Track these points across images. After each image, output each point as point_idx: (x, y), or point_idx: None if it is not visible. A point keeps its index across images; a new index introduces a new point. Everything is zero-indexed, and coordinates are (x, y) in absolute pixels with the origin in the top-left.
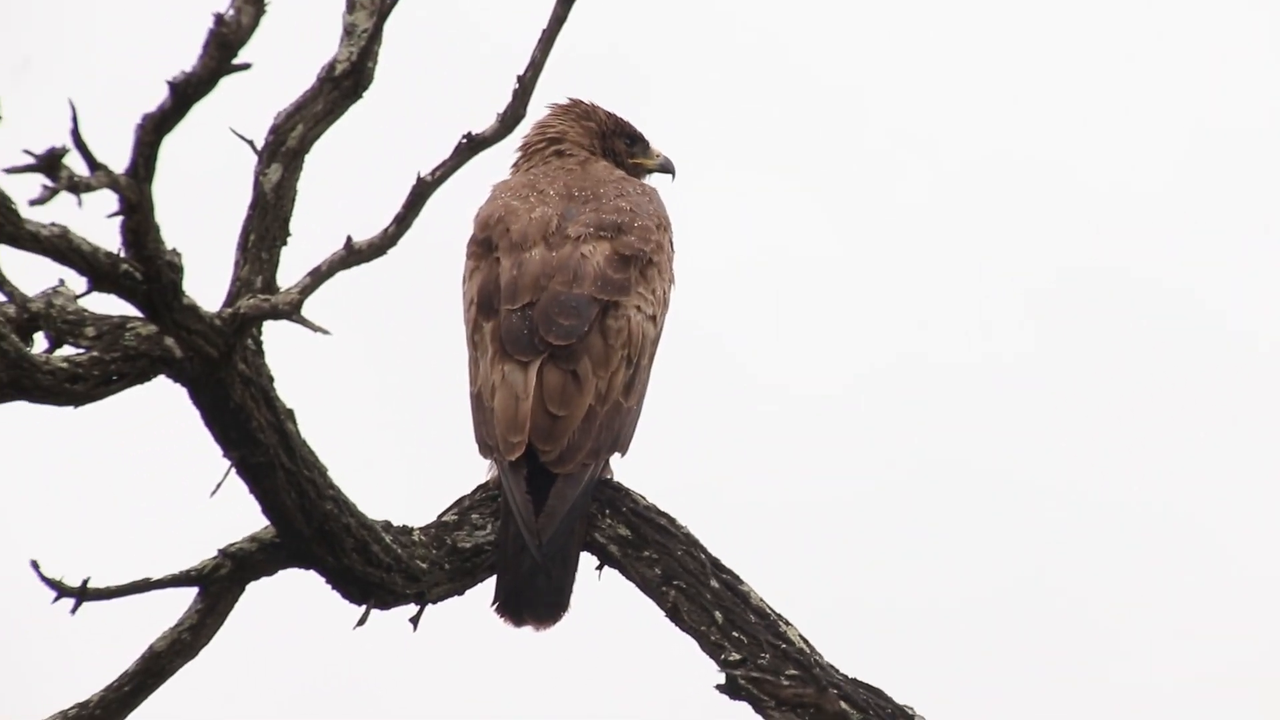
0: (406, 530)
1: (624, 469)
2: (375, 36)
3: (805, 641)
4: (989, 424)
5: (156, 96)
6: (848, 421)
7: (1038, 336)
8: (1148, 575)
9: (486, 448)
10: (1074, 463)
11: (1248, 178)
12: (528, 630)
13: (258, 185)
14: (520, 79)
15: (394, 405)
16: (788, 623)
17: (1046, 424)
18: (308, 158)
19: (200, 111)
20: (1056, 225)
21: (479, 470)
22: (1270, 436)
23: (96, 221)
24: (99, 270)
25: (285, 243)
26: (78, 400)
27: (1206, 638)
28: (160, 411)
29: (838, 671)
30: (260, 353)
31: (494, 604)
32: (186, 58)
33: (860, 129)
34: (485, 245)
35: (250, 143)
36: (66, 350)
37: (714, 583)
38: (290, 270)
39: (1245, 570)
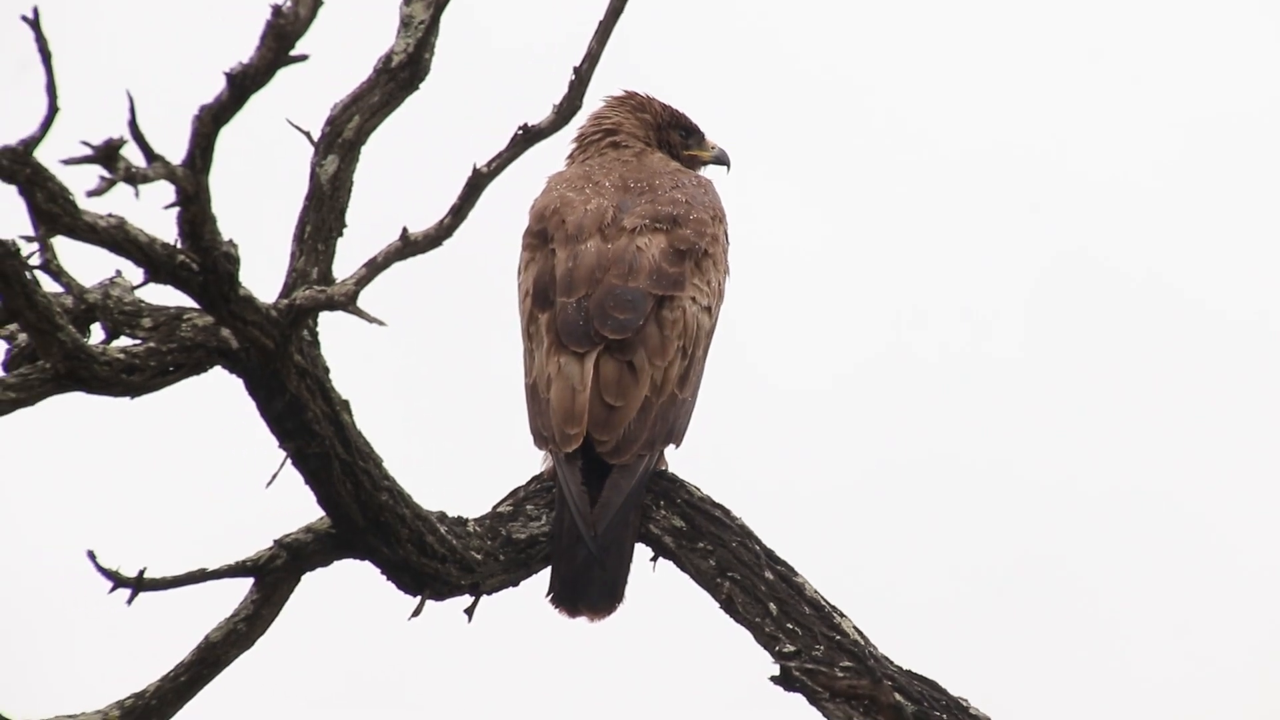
0: (461, 521)
1: (679, 460)
2: (432, 28)
3: (860, 633)
4: (981, 417)
5: (173, 92)
6: (838, 415)
7: (1029, 328)
8: (1143, 566)
9: (541, 438)
10: (1067, 454)
11: (1239, 171)
12: (583, 621)
13: (314, 176)
14: (576, 70)
15: (449, 396)
16: (842, 614)
17: (1039, 416)
18: (364, 149)
19: (257, 103)
20: (1049, 218)
21: (534, 461)
22: (1262, 426)
23: (153, 213)
24: (156, 261)
25: (341, 234)
26: (134, 391)
27: (1202, 629)
28: (216, 402)
29: (892, 663)
30: (316, 344)
31: (549, 595)
32: (198, 53)
33: (853, 122)
34: (540, 237)
35: (307, 134)
36: (123, 341)
37: (769, 574)
38: (346, 261)
39: (1240, 561)
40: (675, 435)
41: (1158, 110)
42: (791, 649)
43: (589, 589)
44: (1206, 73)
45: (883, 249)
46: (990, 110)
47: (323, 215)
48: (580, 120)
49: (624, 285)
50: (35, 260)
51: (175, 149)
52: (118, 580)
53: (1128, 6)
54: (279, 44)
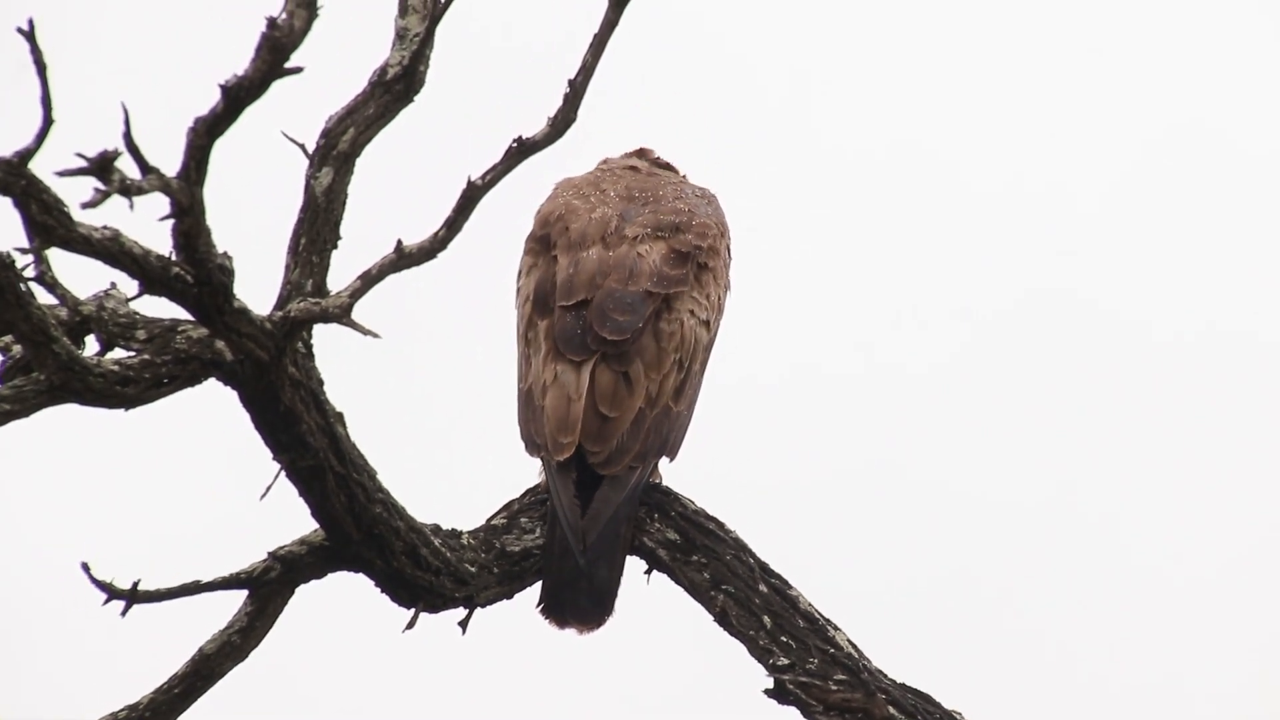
0: (455, 534)
1: (673, 473)
2: (427, 41)
3: (854, 646)
4: (979, 425)
5: (168, 104)
6: (832, 425)
7: (977, 346)
8: (1076, 579)
9: (534, 445)
10: (1011, 470)
11: (1167, 194)
12: (571, 633)
13: (309, 189)
14: (571, 83)
15: (444, 409)
16: (836, 627)
17: (987, 431)
18: (359, 161)
19: (252, 115)
20: (1005, 244)
21: (528, 473)
22: (1195, 444)
23: (148, 225)
24: (150, 273)
25: (336, 246)
26: (128, 403)
27: (1131, 641)
28: (211, 414)
29: (886, 676)
30: (310, 356)
31: (538, 606)
32: (202, 55)
33: (816, 141)
34: (543, 242)
35: (301, 146)
36: (117, 353)
37: (763, 587)
38: (340, 274)
39: (1163, 572)
40: (670, 448)
41: (1112, 142)
42: (786, 662)
43: (578, 601)
44: (1161, 105)
45: (845, 265)
46: (952, 136)
47: (317, 227)
48: (574, 133)
49: (623, 289)
50: (30, 272)
51: (170, 161)
52: (112, 592)
53: (1087, 38)
54: (274, 56)
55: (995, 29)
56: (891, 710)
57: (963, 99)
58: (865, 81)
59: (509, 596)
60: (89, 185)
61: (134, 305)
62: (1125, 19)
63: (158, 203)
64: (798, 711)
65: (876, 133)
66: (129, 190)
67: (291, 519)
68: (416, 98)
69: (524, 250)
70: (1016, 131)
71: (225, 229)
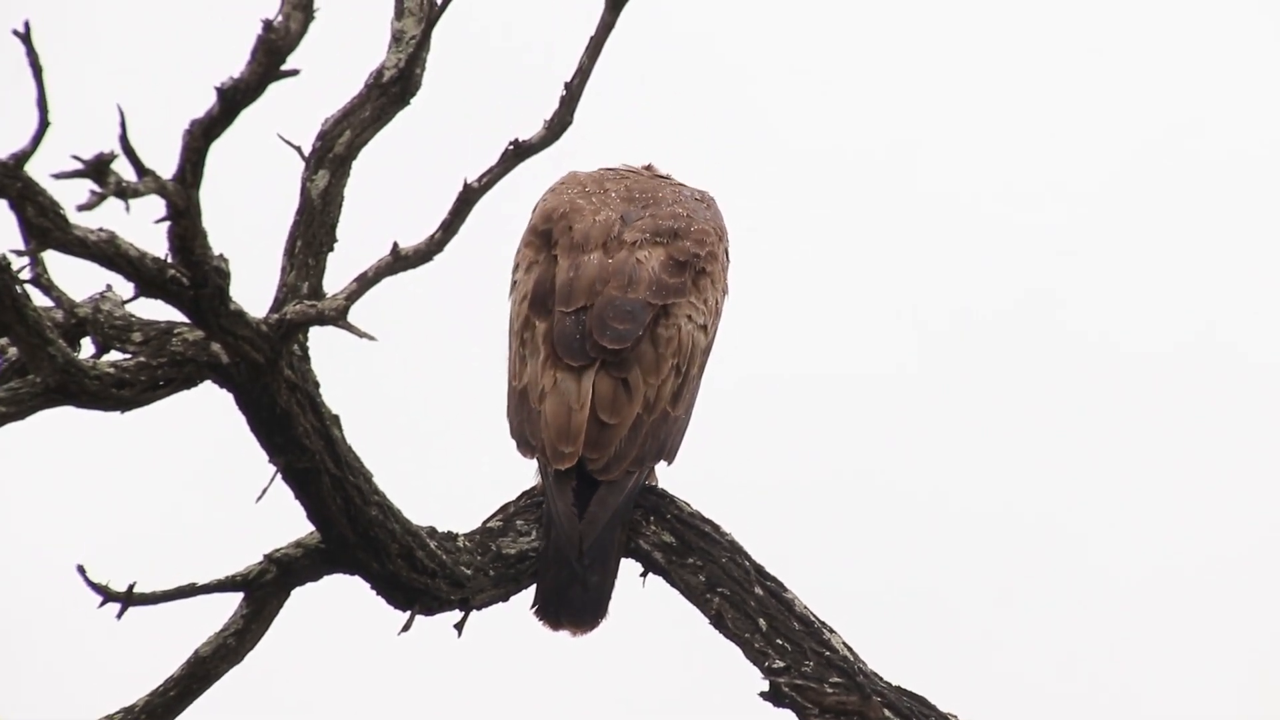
0: (451, 536)
1: (668, 476)
2: (423, 43)
3: (849, 649)
4: (873, 437)
5: (164, 107)
6: (828, 429)
7: (973, 349)
8: (1074, 582)
9: (527, 446)
10: (1006, 474)
11: (1178, 202)
12: (565, 635)
13: (305, 191)
14: (568, 85)
15: (440, 411)
16: (831, 630)
17: (986, 435)
18: (355, 164)
19: (248, 117)
20: (998, 246)
21: (524, 476)
22: (1146, 453)
23: (144, 227)
24: (146, 276)
25: (332, 249)
26: (124, 405)
27: (1129, 644)
28: (206, 417)
29: (881, 679)
30: (306, 358)
31: (533, 608)
32: (203, 53)
33: (811, 142)
34: (545, 238)
35: (298, 149)
36: (113, 355)
37: (758, 590)
38: (337, 276)
39: (1114, 578)
40: (667, 452)
41: (1072, 160)
42: (781, 665)
43: (573, 604)
44: (1117, 124)
45: (801, 274)
46: (911, 149)
47: (313, 230)
48: (570, 135)
49: (623, 296)
50: (26, 274)
51: (166, 163)
52: (107, 595)
53: (1052, 51)
54: (270, 59)
55: (986, 29)
56: (887, 713)
57: (954, 101)
58: (861, 82)
59: (505, 599)
60: (85, 187)
61: (130, 308)
62: (1118, 20)
63: (154, 205)
64: (793, 714)
65: (870, 134)
66: (125, 193)
67: (287, 521)
68: (413, 100)
69: (523, 241)
70: (1006, 133)
71: (221, 231)
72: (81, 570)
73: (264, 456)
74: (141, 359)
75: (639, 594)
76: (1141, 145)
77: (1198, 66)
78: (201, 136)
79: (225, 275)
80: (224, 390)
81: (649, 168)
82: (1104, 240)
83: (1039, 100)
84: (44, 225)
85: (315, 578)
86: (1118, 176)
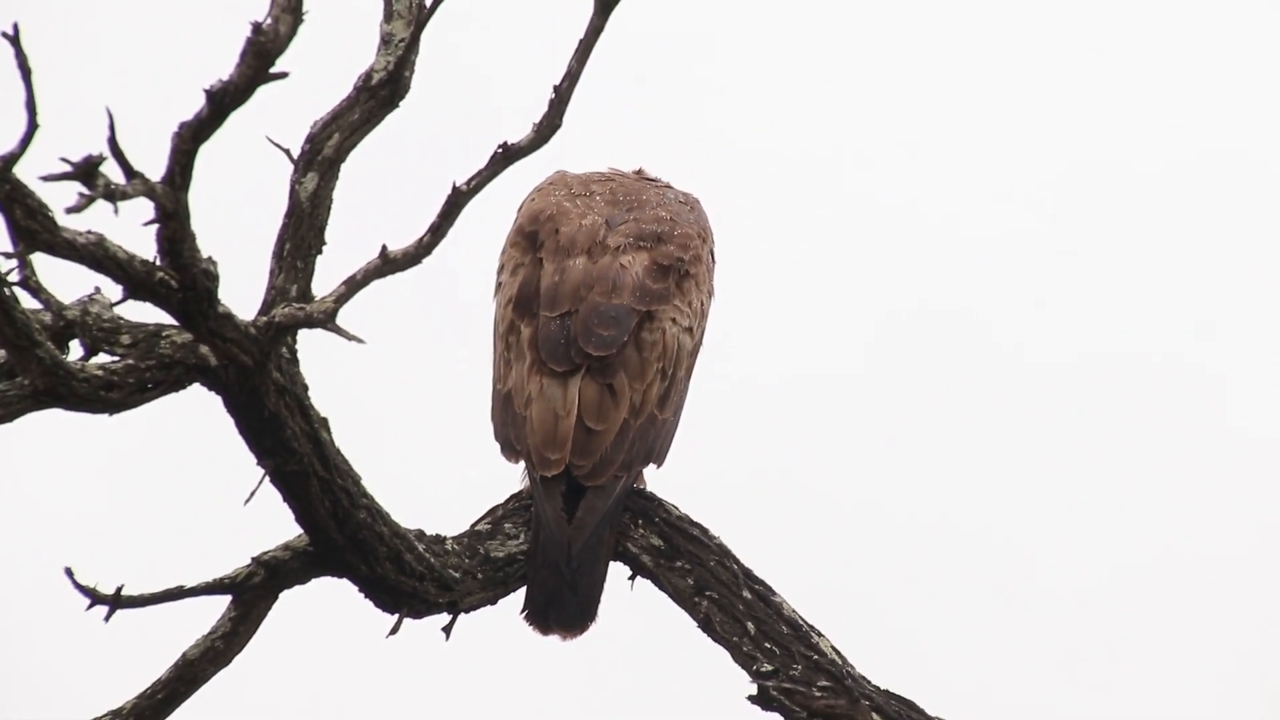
0: (440, 539)
1: (657, 479)
2: (412, 46)
3: (837, 653)
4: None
5: (153, 109)
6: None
7: (872, 360)
8: (958, 590)
9: (512, 450)
10: (994, 475)
11: (1070, 226)
12: (554, 639)
13: (293, 194)
14: (556, 89)
15: (428, 414)
16: (820, 634)
17: (979, 437)
18: (343, 167)
19: (237, 120)
20: (904, 260)
21: (512, 479)
22: (1081, 464)
23: (132, 229)
24: (134, 278)
25: (320, 251)
26: (113, 408)
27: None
28: (195, 419)
29: (869, 683)
30: (295, 361)
31: (522, 612)
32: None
33: (726, 147)
34: (531, 239)
35: (286, 151)
36: (102, 358)
37: (746, 594)
38: (325, 279)
39: (1047, 584)
40: (656, 455)
41: (1017, 170)
42: (769, 668)
43: (562, 608)
44: (1060, 133)
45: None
46: (863, 155)
47: (302, 233)
48: (559, 139)
49: (608, 302)
50: (14, 277)
51: (155, 166)
52: (95, 597)
53: (991, 61)
54: (259, 61)
55: (941, 36)
56: (875, 717)
57: (916, 104)
58: (831, 84)
59: (493, 602)
60: (74, 190)
61: (118, 310)
62: (1066, 29)
63: (142, 208)
64: (781, 718)
65: (864, 138)
66: (113, 195)
67: (276, 524)
68: (401, 103)
69: (509, 242)
70: (966, 138)
71: (210, 234)
72: (69, 572)
73: (252, 459)
74: (130, 361)
75: (627, 597)
76: (1096, 153)
77: (1131, 87)
78: (190, 139)
79: (214, 278)
80: (212, 393)
81: (639, 172)
82: (1062, 245)
83: (1001, 104)
84: (32, 227)
85: (303, 580)
86: (1079, 181)
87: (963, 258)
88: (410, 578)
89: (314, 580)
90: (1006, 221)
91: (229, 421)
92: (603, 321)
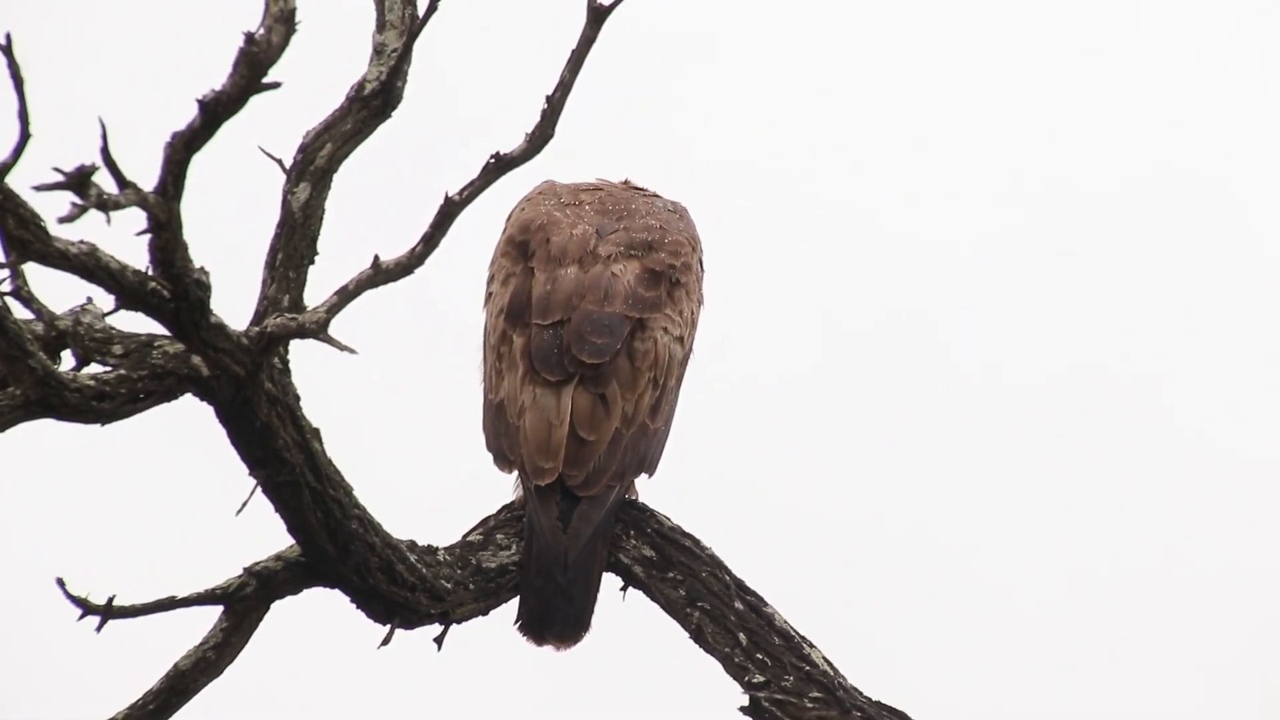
0: (431, 550)
1: (649, 489)
2: (405, 56)
3: (829, 664)
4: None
5: (146, 119)
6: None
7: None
8: (951, 602)
9: (505, 460)
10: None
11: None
12: (549, 650)
13: (286, 204)
14: (549, 99)
15: (420, 424)
16: (812, 645)
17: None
18: (336, 176)
19: (229, 130)
20: (862, 270)
21: (504, 489)
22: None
23: (125, 239)
24: (127, 288)
25: (313, 261)
26: (104, 418)
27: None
28: (187, 430)
29: (861, 694)
30: (287, 371)
31: (516, 623)
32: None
33: (686, 155)
34: (522, 249)
35: (279, 161)
36: (94, 368)
37: (738, 604)
38: (318, 289)
39: (1040, 595)
40: (647, 465)
41: (979, 185)
42: (761, 679)
43: (556, 618)
44: (1029, 148)
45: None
46: (826, 166)
47: (294, 243)
48: (552, 148)
49: (600, 310)
50: (6, 286)
51: (147, 176)
52: (87, 607)
53: (960, 81)
54: (252, 71)
55: (881, 53)
56: None
57: (870, 112)
58: (826, 95)
59: (485, 613)
60: (66, 200)
61: (110, 320)
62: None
63: (135, 217)
64: None
65: (847, 147)
66: (106, 205)
67: (267, 534)
68: (394, 113)
69: (499, 251)
70: (924, 145)
71: (202, 244)
72: (61, 583)
73: (244, 469)
74: (122, 372)
75: (619, 608)
76: (1068, 167)
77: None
78: (183, 149)
79: (206, 288)
80: (204, 403)
81: (626, 182)
82: (1035, 255)
83: (970, 113)
84: (25, 237)
85: (295, 591)
86: (1049, 195)
87: (938, 267)
88: (402, 588)
89: (306, 591)
90: (981, 229)
91: (221, 432)
92: (596, 330)
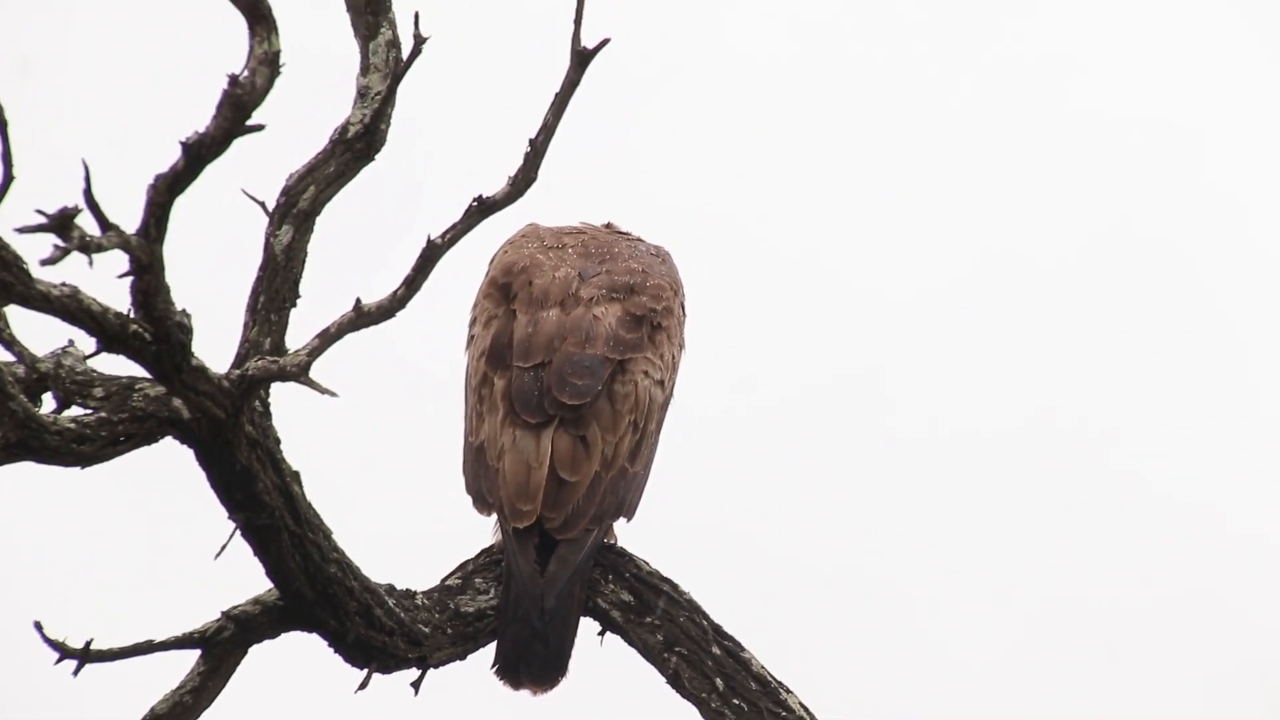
0: (410, 594)
1: (628, 533)
2: (388, 99)
3: (805, 710)
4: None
5: (129, 161)
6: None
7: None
8: (926, 646)
9: (484, 503)
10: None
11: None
12: (526, 694)
13: (268, 247)
14: (532, 142)
15: (400, 467)
16: (788, 690)
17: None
18: (318, 219)
19: (212, 172)
20: (822, 320)
21: (483, 533)
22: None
23: (107, 281)
24: (109, 331)
25: (295, 304)
26: (85, 461)
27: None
28: (167, 473)
29: None
30: (268, 414)
31: (493, 666)
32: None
33: (659, 200)
34: (504, 291)
35: (262, 204)
36: (74, 411)
37: (716, 649)
38: (299, 332)
39: (1012, 639)
40: (626, 509)
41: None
42: None
43: (533, 662)
44: (987, 205)
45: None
46: (784, 213)
47: (276, 286)
48: (535, 192)
49: (581, 352)
50: None
51: (130, 218)
52: (64, 651)
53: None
54: (235, 113)
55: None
56: None
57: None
58: (782, 146)
59: (462, 657)
60: (48, 242)
61: (91, 363)
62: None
63: (117, 260)
64: None
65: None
66: (88, 247)
67: (246, 578)
68: (377, 156)
69: (482, 293)
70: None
71: (184, 286)
72: (38, 626)
73: (224, 513)
74: (103, 414)
75: (597, 653)
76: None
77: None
78: (166, 191)
79: (188, 331)
80: (185, 446)
81: (609, 225)
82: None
83: (915, 177)
84: (7, 280)
85: (273, 635)
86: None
87: (892, 319)
88: (380, 633)
89: (283, 635)
90: (932, 282)
91: (201, 475)
92: (577, 371)
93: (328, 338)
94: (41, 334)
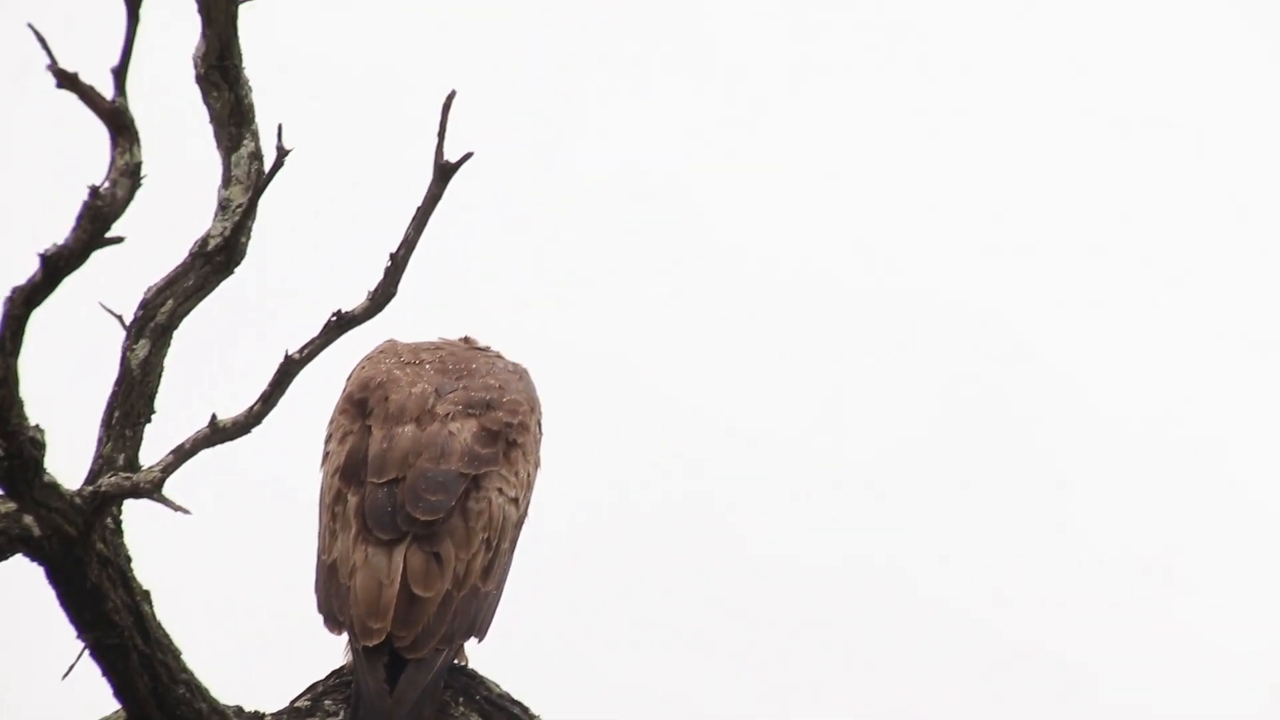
0: (259, 716)
1: (480, 654)
2: (250, 212)
3: None
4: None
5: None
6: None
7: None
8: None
9: (335, 622)
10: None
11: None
12: None
13: (125, 361)
14: (393, 256)
15: (252, 586)
16: None
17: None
18: (176, 333)
19: (69, 284)
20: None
21: (335, 653)
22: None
23: None
24: None
25: (149, 420)
26: None
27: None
28: (15, 591)
29: None
30: (119, 532)
31: None
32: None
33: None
34: (360, 407)
35: (119, 318)
36: None
37: None
38: (154, 447)
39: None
40: (478, 628)
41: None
42: None
43: None
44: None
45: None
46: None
47: (132, 400)
48: (394, 306)
49: (435, 468)
50: None
51: None
52: None
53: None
54: (95, 225)
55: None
56: None
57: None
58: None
59: None
60: None
61: None
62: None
63: None
64: None
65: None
66: None
67: (94, 699)
68: (237, 269)
69: (338, 409)
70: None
71: (38, 400)
72: None
73: (73, 632)
74: None
75: None
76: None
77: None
78: (23, 304)
79: (41, 446)
80: (35, 563)
81: (467, 340)
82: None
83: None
84: None
85: None
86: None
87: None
88: None
89: None
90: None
91: (50, 593)
92: (431, 487)
93: (182, 454)
94: None
